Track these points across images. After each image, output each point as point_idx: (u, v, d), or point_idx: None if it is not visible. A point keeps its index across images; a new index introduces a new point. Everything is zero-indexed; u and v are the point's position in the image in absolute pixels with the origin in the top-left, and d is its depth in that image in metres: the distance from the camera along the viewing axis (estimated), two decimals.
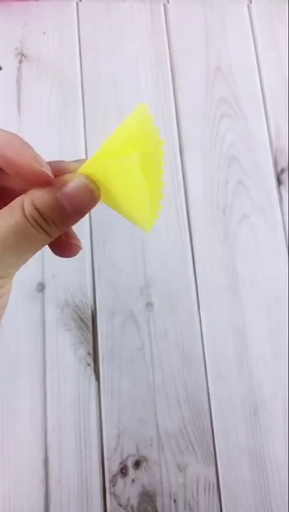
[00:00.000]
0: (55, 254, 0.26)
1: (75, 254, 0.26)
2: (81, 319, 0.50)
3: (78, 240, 0.26)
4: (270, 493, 0.47)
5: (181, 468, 0.47)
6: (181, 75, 0.60)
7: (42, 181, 0.21)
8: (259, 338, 0.52)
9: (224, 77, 0.60)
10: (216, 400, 0.49)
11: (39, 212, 0.21)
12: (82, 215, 0.22)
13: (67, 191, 0.21)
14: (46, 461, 0.46)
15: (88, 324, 0.50)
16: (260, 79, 0.61)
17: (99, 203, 0.23)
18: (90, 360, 0.49)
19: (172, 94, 0.59)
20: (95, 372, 0.49)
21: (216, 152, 0.57)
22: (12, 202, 0.22)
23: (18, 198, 0.22)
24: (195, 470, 0.47)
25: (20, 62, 0.58)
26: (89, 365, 0.49)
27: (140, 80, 0.59)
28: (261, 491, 0.47)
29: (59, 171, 0.22)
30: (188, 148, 0.57)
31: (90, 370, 0.49)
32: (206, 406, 0.49)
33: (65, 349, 0.49)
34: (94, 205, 0.22)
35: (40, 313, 0.49)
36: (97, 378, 0.48)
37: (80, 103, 0.57)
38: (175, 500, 0.46)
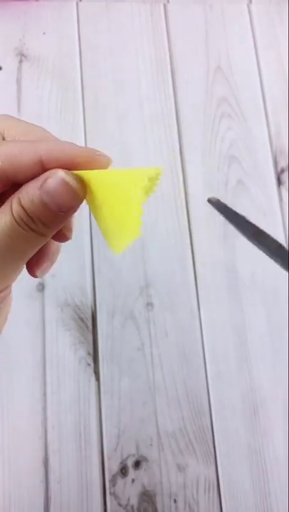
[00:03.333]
0: None
1: (60, 242, 0.26)
2: (81, 319, 0.50)
3: (70, 232, 0.25)
4: (270, 493, 0.47)
5: (181, 468, 0.47)
6: (181, 74, 0.60)
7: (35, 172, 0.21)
8: (259, 338, 0.52)
9: (224, 76, 0.60)
10: (216, 400, 0.49)
11: (25, 211, 0.21)
12: (68, 213, 0.22)
13: (46, 188, 0.20)
14: (46, 461, 0.46)
15: (88, 324, 0.50)
16: (261, 78, 0.61)
17: (84, 202, 0.22)
18: (90, 360, 0.49)
19: (172, 94, 0.59)
20: (94, 372, 0.49)
21: (216, 152, 0.57)
22: (6, 201, 0.21)
23: (12, 196, 0.21)
24: (195, 470, 0.47)
25: (21, 62, 0.58)
26: (89, 365, 0.49)
27: (140, 79, 0.59)
28: (261, 490, 0.47)
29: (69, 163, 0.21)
30: (188, 148, 0.57)
31: (90, 370, 0.49)
32: (206, 406, 0.49)
33: (65, 349, 0.49)
34: (77, 204, 0.22)
35: (40, 313, 0.49)
36: (97, 378, 0.48)
37: (80, 103, 0.57)
38: (175, 500, 0.46)
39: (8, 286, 0.24)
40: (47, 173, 0.21)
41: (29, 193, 0.21)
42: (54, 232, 0.22)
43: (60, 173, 0.21)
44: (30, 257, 0.23)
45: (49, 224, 0.21)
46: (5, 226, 0.21)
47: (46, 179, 0.21)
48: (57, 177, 0.21)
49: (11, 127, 0.23)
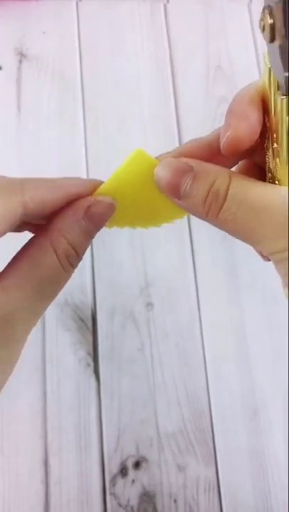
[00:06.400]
0: None
1: None
2: (81, 319, 0.50)
3: None
4: (270, 494, 0.47)
5: (181, 468, 0.47)
6: (181, 74, 0.59)
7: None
8: (259, 339, 0.52)
9: (224, 76, 0.60)
10: (216, 400, 0.49)
11: (73, 248, 0.21)
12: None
13: (91, 213, 0.21)
14: (46, 462, 0.46)
15: (88, 324, 0.50)
16: None
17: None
18: (90, 361, 0.49)
19: (172, 94, 0.58)
20: (94, 372, 0.49)
21: None
22: (40, 244, 0.21)
23: (44, 240, 0.21)
24: (195, 470, 0.47)
25: (20, 62, 0.58)
26: (89, 365, 0.49)
27: (140, 79, 0.59)
28: (261, 491, 0.47)
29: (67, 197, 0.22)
30: None
31: (90, 371, 0.49)
32: (206, 406, 0.49)
33: (65, 349, 0.49)
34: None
35: None
36: (97, 379, 0.48)
37: (80, 103, 0.57)
38: (175, 501, 0.46)
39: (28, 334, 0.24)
40: (77, 207, 0.21)
41: (72, 228, 0.21)
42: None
43: (91, 198, 0.22)
44: None
45: (82, 254, 0.23)
46: (51, 273, 0.21)
47: (89, 208, 0.21)
48: (102, 201, 0.22)
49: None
